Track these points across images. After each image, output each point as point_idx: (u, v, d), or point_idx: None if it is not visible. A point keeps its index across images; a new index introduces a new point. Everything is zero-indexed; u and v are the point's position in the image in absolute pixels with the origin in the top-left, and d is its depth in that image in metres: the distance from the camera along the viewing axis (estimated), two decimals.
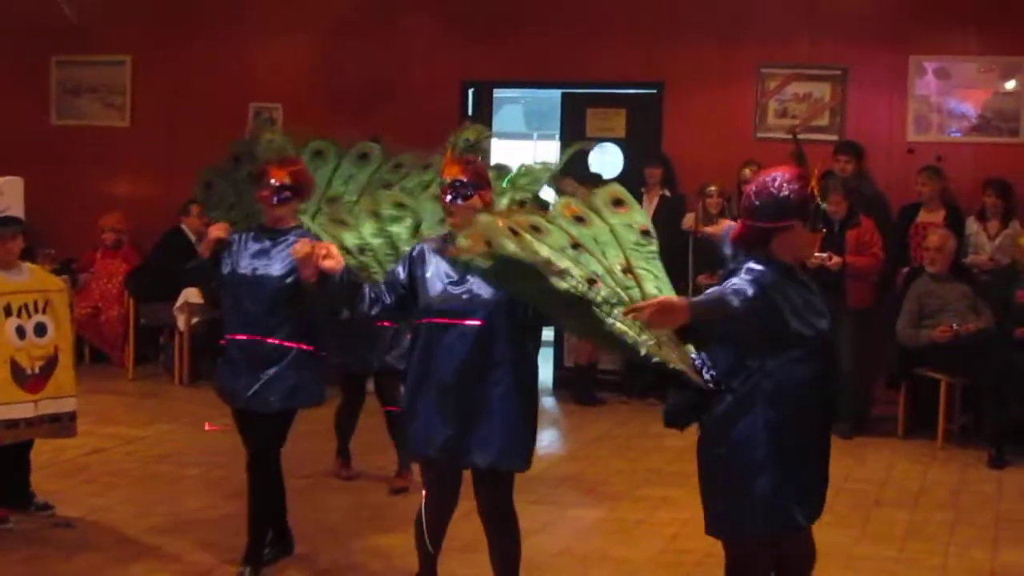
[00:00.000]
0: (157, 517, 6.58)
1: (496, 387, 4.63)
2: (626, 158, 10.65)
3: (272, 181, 5.32)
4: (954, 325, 8.40)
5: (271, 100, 11.46)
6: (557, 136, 11.74)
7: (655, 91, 10.95)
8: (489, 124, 11.84)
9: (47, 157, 10.71)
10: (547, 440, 9.40)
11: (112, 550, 6.09)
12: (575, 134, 11.33)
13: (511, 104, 15.37)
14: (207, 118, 11.31)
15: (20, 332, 6.23)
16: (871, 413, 9.32)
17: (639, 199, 9.85)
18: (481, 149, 5.26)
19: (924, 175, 9.32)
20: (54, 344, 6.40)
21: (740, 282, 3.84)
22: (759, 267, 3.88)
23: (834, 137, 10.02)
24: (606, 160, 10.77)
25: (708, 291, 4.08)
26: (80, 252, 10.85)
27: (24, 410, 6.23)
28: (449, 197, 4.70)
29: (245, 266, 5.36)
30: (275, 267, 5.31)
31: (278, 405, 5.36)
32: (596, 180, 9.71)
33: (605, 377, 10.47)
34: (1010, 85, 10.00)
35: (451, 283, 4.64)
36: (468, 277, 4.60)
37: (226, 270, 5.41)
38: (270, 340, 5.32)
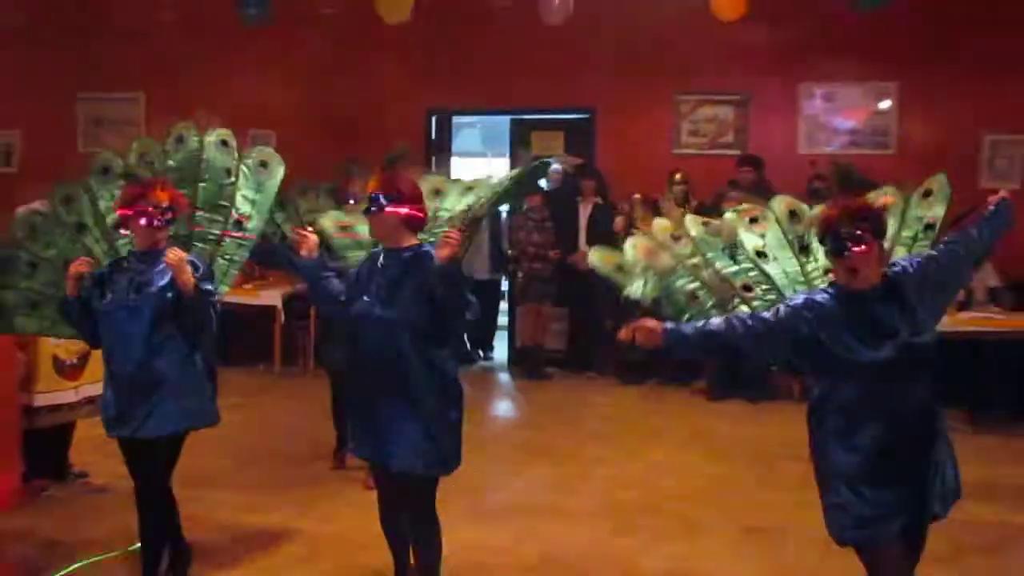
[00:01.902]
0: (187, 476, 6.57)
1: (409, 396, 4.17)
2: (565, 173, 10.73)
3: (155, 202, 4.44)
4: None
5: (266, 127, 11.42)
6: (507, 154, 11.79)
7: (588, 116, 11.02)
8: (450, 145, 11.99)
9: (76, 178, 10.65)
10: (502, 409, 9.49)
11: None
12: (522, 152, 11.44)
13: (468, 128, 15.44)
14: (215, 121, 11.27)
15: None
16: (772, 383, 9.39)
17: (576, 208, 10.05)
18: (402, 165, 4.89)
19: (812, 182, 9.42)
20: None
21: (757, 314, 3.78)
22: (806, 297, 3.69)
23: (737, 151, 10.12)
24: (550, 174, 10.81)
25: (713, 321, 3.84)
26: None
27: (66, 396, 6.28)
28: (365, 209, 4.31)
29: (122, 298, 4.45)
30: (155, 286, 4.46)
31: (171, 429, 4.55)
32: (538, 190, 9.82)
33: (552, 355, 10.44)
34: (884, 105, 10.14)
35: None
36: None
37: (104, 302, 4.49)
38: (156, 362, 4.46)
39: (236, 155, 5.30)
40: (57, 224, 5.01)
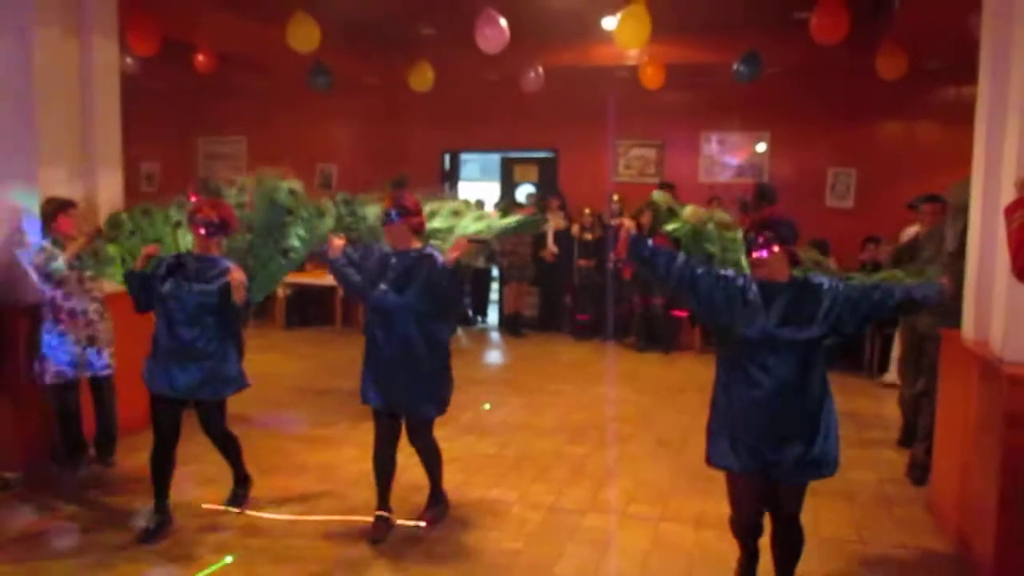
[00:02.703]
0: (265, 405, 6.66)
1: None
2: (538, 193, 10.74)
3: (205, 217, 4.12)
4: None
5: (330, 161, 11.43)
6: (498, 180, 11.77)
7: (554, 154, 10.99)
8: (458, 174, 11.95)
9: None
10: (492, 358, 9.51)
11: (242, 426, 6.06)
12: (508, 180, 11.46)
13: (471, 163, 15.40)
14: (291, 172, 11.25)
15: None
16: (679, 338, 9.45)
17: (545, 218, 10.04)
18: (404, 187, 4.82)
19: (709, 201, 9.44)
20: None
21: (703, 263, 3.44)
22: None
23: (657, 179, 10.14)
24: (525, 195, 10.84)
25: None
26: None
27: None
28: (382, 221, 4.12)
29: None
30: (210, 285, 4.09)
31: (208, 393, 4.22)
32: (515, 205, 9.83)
33: (528, 320, 10.42)
34: (760, 148, 10.16)
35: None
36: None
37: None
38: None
39: (300, 202, 4.79)
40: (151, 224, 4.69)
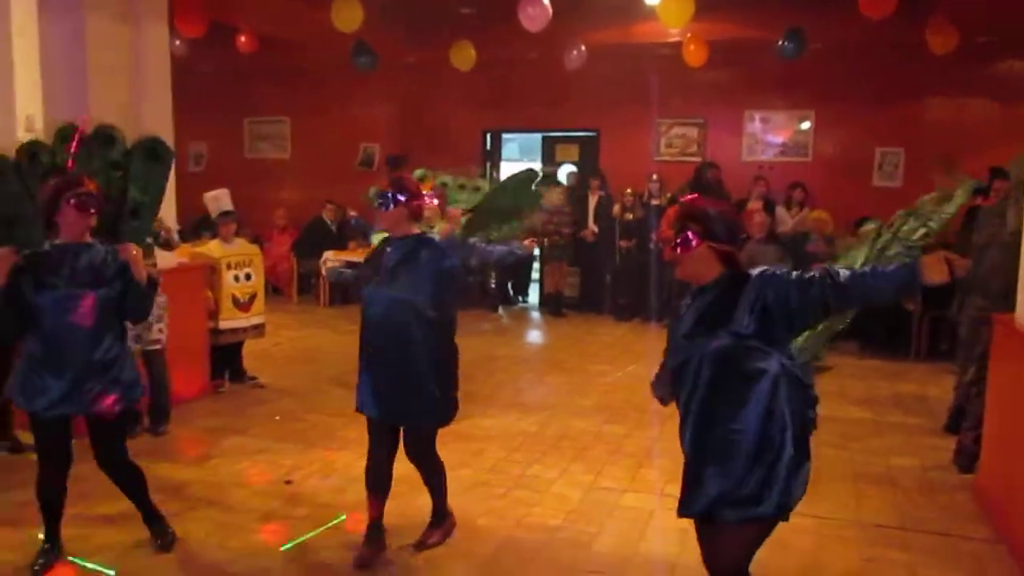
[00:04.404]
0: (315, 379, 6.72)
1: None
2: (580, 172, 10.68)
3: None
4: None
5: (372, 141, 11.49)
6: (539, 160, 11.73)
7: (595, 134, 10.92)
8: (499, 154, 11.94)
9: (243, 177, 10.78)
10: (533, 337, 9.53)
11: (287, 399, 6.24)
12: (550, 160, 11.41)
13: (511, 142, 15.34)
14: (334, 152, 11.36)
15: (235, 278, 6.33)
16: None
17: (586, 198, 10.00)
18: (396, 164, 4.57)
19: (754, 180, 9.34)
20: (255, 285, 6.50)
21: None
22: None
23: (699, 158, 10.04)
24: (567, 175, 10.80)
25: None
26: (264, 232, 10.89)
27: (240, 323, 6.41)
28: (376, 205, 3.55)
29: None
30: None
31: None
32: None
33: (568, 300, 10.37)
34: (804, 126, 10.00)
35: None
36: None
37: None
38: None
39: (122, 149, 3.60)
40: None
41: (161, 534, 3.75)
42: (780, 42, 8.09)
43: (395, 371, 3.45)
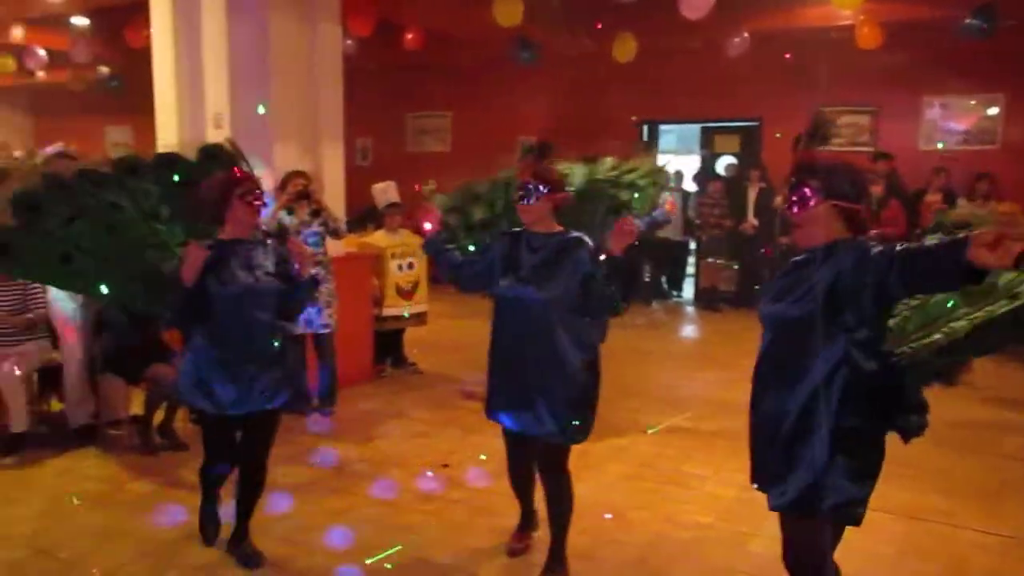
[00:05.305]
0: (471, 367, 6.83)
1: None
2: (741, 164, 10.36)
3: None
4: None
5: (530, 134, 11.59)
6: (697, 151, 11.46)
7: (757, 124, 10.57)
8: (657, 144, 11.76)
9: (405, 170, 11.14)
10: (687, 332, 9.34)
11: (441, 384, 6.41)
12: (709, 151, 11.12)
13: (668, 133, 15.05)
14: (492, 145, 11.46)
15: (399, 267, 6.55)
16: None
17: (746, 190, 9.68)
18: (541, 154, 4.22)
19: (935, 171, 8.72)
20: (417, 274, 6.67)
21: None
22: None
23: (871, 148, 9.48)
24: (726, 166, 10.49)
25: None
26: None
27: (404, 310, 6.62)
28: (519, 197, 3.22)
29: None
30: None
31: None
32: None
33: (724, 295, 10.12)
34: (992, 111, 9.23)
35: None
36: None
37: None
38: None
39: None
40: None
41: (251, 549, 3.49)
42: (967, 20, 7.49)
43: (534, 375, 3.14)
